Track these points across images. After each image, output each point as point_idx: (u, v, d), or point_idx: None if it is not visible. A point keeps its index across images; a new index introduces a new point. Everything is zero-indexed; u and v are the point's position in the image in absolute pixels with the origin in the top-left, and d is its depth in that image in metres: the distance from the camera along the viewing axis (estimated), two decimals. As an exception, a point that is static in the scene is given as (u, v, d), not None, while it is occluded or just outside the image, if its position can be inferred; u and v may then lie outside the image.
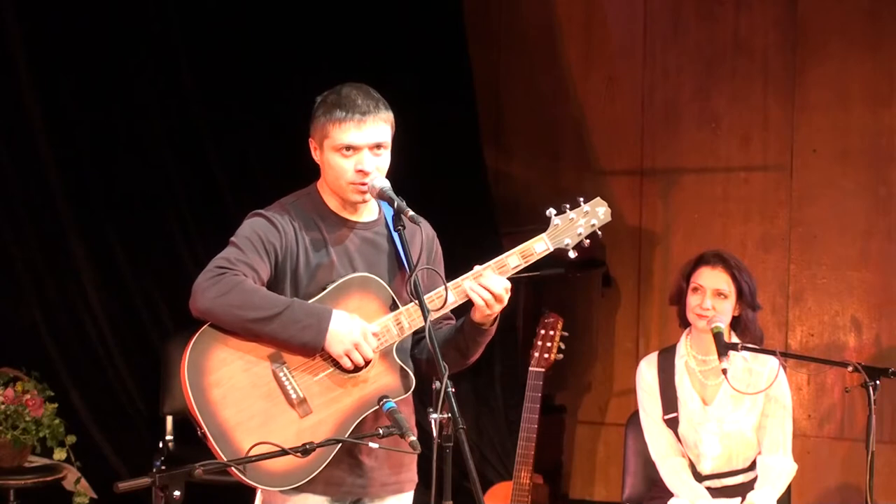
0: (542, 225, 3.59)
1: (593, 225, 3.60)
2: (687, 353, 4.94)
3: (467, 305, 3.51)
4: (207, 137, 6.06)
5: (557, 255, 3.59)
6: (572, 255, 3.59)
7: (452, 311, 3.56)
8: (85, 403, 5.76)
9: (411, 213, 3.38)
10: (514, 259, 3.54)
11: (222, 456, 3.28)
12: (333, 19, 6.29)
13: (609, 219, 3.62)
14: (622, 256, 6.74)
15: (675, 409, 4.89)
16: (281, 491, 3.40)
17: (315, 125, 3.48)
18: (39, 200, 5.64)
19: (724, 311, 4.82)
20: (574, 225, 3.58)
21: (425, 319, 3.31)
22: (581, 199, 3.60)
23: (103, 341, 5.81)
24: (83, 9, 5.61)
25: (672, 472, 4.89)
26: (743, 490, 4.88)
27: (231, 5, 6.01)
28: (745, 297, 4.87)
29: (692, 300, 4.87)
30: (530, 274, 6.00)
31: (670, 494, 4.92)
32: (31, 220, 5.64)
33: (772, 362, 4.85)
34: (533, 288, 6.53)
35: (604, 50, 6.82)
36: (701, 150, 6.58)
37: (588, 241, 3.60)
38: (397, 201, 3.41)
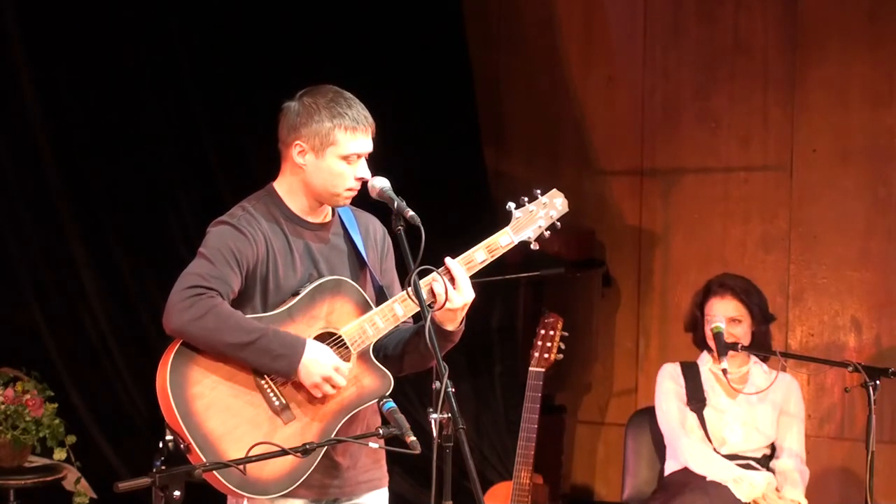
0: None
1: (552, 216, 3.64)
2: (710, 363, 5.07)
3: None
4: (208, 139, 6.06)
5: (521, 248, 3.62)
6: (534, 247, 3.62)
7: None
8: (85, 403, 5.75)
9: (411, 213, 3.39)
10: (481, 254, 3.56)
11: None
12: (333, 19, 6.29)
13: (566, 209, 3.67)
14: (622, 256, 6.74)
15: (703, 397, 5.00)
16: (269, 498, 3.40)
17: (315, 129, 3.47)
18: (39, 201, 5.64)
19: (741, 336, 5.04)
20: (534, 217, 3.61)
21: (424, 319, 3.33)
22: (538, 192, 3.64)
23: (103, 341, 5.80)
24: (83, 10, 5.60)
25: (696, 448, 4.97)
26: None
27: (231, 6, 6.01)
28: (756, 317, 5.01)
29: (712, 341, 5.02)
30: (530, 274, 6.05)
31: (672, 495, 4.95)
32: (32, 220, 5.64)
33: (786, 381, 5.14)
34: (533, 288, 6.53)
35: (604, 50, 6.82)
36: (701, 150, 6.58)
37: (548, 232, 3.63)
38: (397, 201, 3.43)
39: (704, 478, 4.96)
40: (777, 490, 4.93)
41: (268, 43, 6.08)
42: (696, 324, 5.12)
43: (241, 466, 3.21)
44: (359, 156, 3.50)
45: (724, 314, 5.00)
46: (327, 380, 3.38)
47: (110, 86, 5.76)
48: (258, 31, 6.08)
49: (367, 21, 6.36)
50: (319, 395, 3.39)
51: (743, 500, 4.88)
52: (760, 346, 5.08)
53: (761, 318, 5.06)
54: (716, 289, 5.08)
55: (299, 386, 3.41)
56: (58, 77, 5.63)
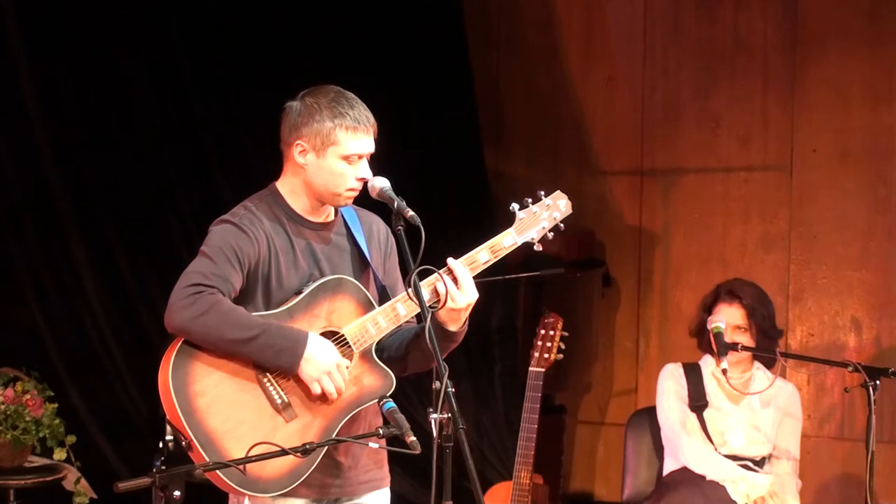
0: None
1: (555, 218, 3.64)
2: (713, 366, 5.06)
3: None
4: (208, 138, 6.06)
5: (522, 248, 3.61)
6: (538, 248, 3.62)
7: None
8: (85, 403, 5.75)
9: (411, 212, 3.39)
10: (485, 254, 3.55)
11: None
12: (334, 19, 6.29)
13: (570, 211, 3.66)
14: (622, 256, 6.74)
15: (704, 398, 5.00)
16: (271, 497, 3.40)
17: (316, 128, 3.47)
18: (39, 200, 5.64)
19: (745, 343, 4.97)
20: (538, 218, 3.61)
21: (424, 319, 3.33)
22: (542, 193, 3.64)
23: (103, 341, 5.80)
24: (83, 11, 5.60)
25: (697, 447, 4.97)
26: None
27: (231, 6, 6.01)
28: (761, 330, 5.00)
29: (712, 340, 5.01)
30: (530, 274, 6.05)
31: (671, 492, 4.96)
32: (31, 220, 5.64)
33: (789, 389, 5.14)
34: (533, 288, 6.53)
35: (604, 50, 6.82)
36: (701, 150, 6.58)
37: (552, 234, 3.63)
38: (397, 201, 3.43)
39: (703, 477, 4.95)
40: (776, 495, 4.92)
41: (268, 43, 6.08)
42: (702, 329, 5.10)
43: (240, 466, 3.21)
44: (360, 156, 3.50)
45: (731, 322, 5.00)
46: (329, 374, 3.38)
47: (110, 86, 5.76)
48: (258, 31, 6.08)
49: (368, 21, 6.37)
50: (319, 390, 3.38)
51: (739, 501, 4.87)
52: (763, 358, 5.11)
53: (766, 331, 5.06)
54: (724, 295, 5.07)
55: (302, 384, 3.42)
56: (57, 77, 5.63)
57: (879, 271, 6.21)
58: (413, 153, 5.86)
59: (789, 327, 6.31)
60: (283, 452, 3.17)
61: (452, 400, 3.17)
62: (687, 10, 6.61)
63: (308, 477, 3.42)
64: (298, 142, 3.50)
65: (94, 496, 5.59)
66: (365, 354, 3.48)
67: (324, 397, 3.42)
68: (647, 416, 5.33)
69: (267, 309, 3.46)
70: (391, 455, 3.57)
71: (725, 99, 6.52)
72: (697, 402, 5.05)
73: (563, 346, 5.24)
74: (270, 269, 3.47)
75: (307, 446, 3.19)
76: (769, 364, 5.15)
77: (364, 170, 3.51)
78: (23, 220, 5.63)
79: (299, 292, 3.47)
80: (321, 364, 3.37)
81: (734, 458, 5.00)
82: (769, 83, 6.42)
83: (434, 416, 3.17)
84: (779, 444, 5.07)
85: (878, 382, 4.51)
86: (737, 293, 5.05)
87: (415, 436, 3.21)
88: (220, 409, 3.34)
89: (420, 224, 3.36)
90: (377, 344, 3.52)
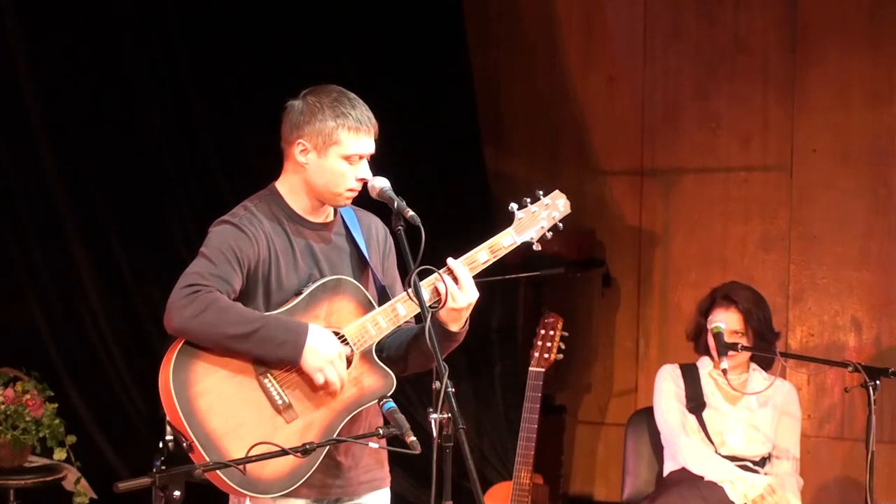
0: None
1: (554, 217, 3.64)
2: (710, 367, 5.07)
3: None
4: (208, 139, 6.06)
5: (522, 248, 3.62)
6: (536, 247, 3.62)
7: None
8: (85, 403, 5.75)
9: (411, 212, 3.39)
10: (484, 254, 3.56)
11: None
12: (334, 18, 6.30)
13: (569, 210, 3.67)
14: (622, 256, 6.74)
15: (702, 399, 5.00)
16: (272, 498, 3.40)
17: (318, 128, 3.47)
18: (39, 201, 5.64)
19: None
20: (537, 218, 3.62)
21: (424, 319, 3.33)
22: (540, 193, 3.65)
23: (103, 341, 5.80)
24: (83, 11, 5.60)
25: (695, 447, 4.96)
26: None
27: (231, 6, 6.01)
28: (758, 333, 5.00)
29: (712, 340, 5.01)
30: (530, 274, 6.05)
31: (669, 493, 4.96)
32: (31, 220, 5.64)
33: (786, 388, 5.13)
34: (533, 288, 6.53)
35: (604, 50, 6.82)
36: (701, 150, 6.58)
37: (550, 233, 3.63)
38: (397, 201, 3.43)
39: (702, 478, 4.96)
40: (774, 492, 4.92)
41: (268, 43, 6.08)
42: (699, 333, 5.10)
43: (240, 466, 3.21)
44: (361, 156, 3.50)
45: (729, 326, 5.00)
46: (331, 364, 3.37)
47: (110, 86, 5.76)
48: (258, 31, 6.08)
49: (368, 21, 6.37)
50: (322, 380, 3.37)
51: (737, 502, 4.87)
52: (761, 360, 5.11)
53: (762, 334, 5.06)
54: (720, 300, 5.08)
55: (302, 385, 3.41)
56: (58, 77, 5.63)
57: (879, 271, 6.21)
58: (413, 153, 5.86)
59: (789, 327, 6.31)
60: (284, 452, 3.17)
61: (452, 400, 3.17)
62: (687, 10, 6.61)
63: (309, 477, 3.42)
64: (300, 141, 3.50)
65: (94, 496, 5.59)
66: (365, 355, 3.48)
67: (325, 397, 3.42)
68: (647, 417, 5.33)
69: (267, 310, 3.46)
70: (391, 455, 3.57)
71: (725, 99, 6.52)
72: (695, 402, 5.05)
73: (563, 346, 5.25)
74: (270, 269, 3.47)
75: (307, 446, 3.19)
76: (767, 365, 5.15)
77: (364, 170, 3.51)
78: (23, 220, 5.63)
79: (299, 293, 3.47)
80: (323, 354, 3.37)
81: (734, 458, 4.99)
82: (769, 83, 6.43)
83: (434, 416, 3.17)
84: (778, 443, 5.07)
85: (878, 382, 4.51)
86: (733, 298, 5.04)
87: (415, 436, 3.21)
88: (220, 409, 3.34)
89: (420, 224, 3.36)
90: (377, 344, 3.52)
